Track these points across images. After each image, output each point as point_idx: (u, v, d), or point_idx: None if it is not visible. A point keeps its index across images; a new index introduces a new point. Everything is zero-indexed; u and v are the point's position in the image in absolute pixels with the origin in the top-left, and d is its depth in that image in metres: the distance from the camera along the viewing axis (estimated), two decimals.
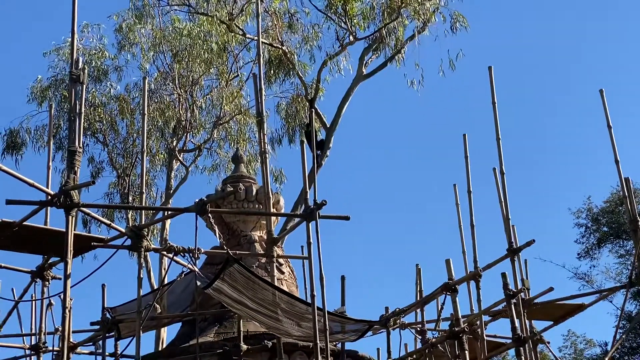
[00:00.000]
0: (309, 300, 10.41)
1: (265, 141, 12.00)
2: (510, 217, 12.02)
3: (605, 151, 12.72)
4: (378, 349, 14.12)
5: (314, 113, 24.50)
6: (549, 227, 40.71)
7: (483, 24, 46.96)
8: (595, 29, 48.54)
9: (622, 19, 48.80)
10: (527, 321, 11.72)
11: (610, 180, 30.51)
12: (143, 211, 11.31)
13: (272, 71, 27.56)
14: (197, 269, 10.43)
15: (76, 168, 9.47)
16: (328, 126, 26.32)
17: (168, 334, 23.60)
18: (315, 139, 23.96)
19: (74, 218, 9.36)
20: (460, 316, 11.24)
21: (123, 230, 10.41)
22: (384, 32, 26.09)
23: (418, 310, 13.08)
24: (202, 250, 10.31)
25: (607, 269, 31.13)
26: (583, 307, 13.11)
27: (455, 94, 43.53)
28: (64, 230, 9.30)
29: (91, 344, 13.00)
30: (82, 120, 9.79)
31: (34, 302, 11.89)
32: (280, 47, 26.89)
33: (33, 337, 12.02)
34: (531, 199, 42.46)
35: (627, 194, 12.32)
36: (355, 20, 26.51)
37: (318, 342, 9.91)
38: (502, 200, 12.16)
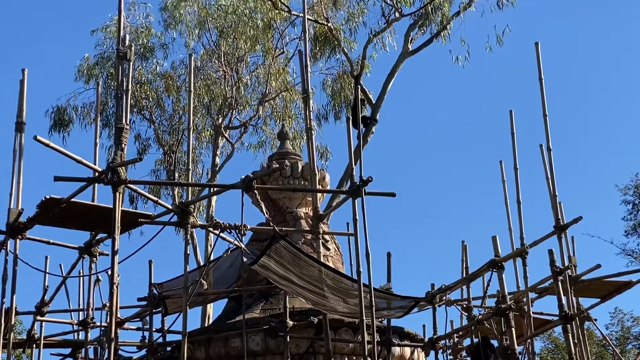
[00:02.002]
0: (355, 277, 10.43)
1: (311, 118, 12.00)
2: (557, 194, 11.94)
3: None
4: (424, 326, 14.15)
5: (359, 90, 24.46)
6: (596, 203, 40.38)
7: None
8: None
9: None
10: (574, 298, 11.64)
11: None
12: (189, 188, 11.37)
13: (317, 48, 27.52)
14: (243, 246, 10.48)
15: (123, 145, 9.53)
16: (374, 102, 26.23)
17: (214, 310, 23.83)
18: (362, 115, 24.10)
19: (121, 195, 9.43)
20: (506, 293, 11.18)
21: (170, 207, 10.48)
22: (429, 8, 25.90)
23: (464, 287, 13.04)
24: (249, 227, 10.34)
25: None
26: (631, 284, 13.00)
27: (502, 70, 43.18)
28: (111, 206, 9.38)
29: (138, 319, 13.15)
30: (129, 98, 9.85)
31: (81, 278, 12.05)
32: (325, 23, 26.83)
33: (81, 312, 12.20)
34: (578, 176, 42.11)
35: None
36: None
37: (364, 318, 9.93)
38: (549, 177, 12.07)
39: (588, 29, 48.24)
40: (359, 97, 14.95)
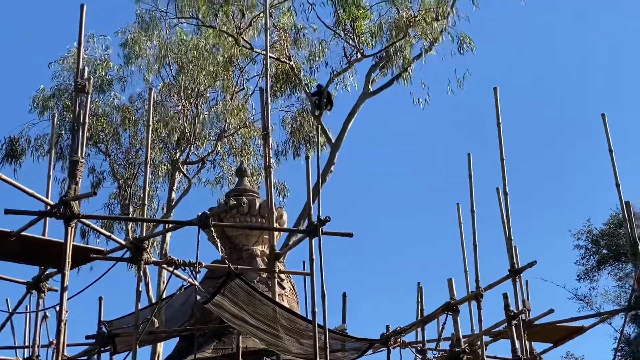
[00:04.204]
0: (309, 317, 10.32)
1: (270, 155, 11.94)
2: (512, 237, 11.98)
3: (606, 174, 12.71)
4: None
5: (319, 128, 24.54)
6: (550, 248, 40.61)
7: (490, 45, 46.99)
8: (598, 53, 48.60)
9: (625, 44, 48.88)
10: (527, 343, 11.65)
11: (609, 203, 30.52)
12: (144, 223, 11.21)
13: (278, 85, 27.59)
14: (197, 283, 10.34)
15: (78, 178, 9.38)
16: (333, 142, 26.27)
17: (165, 349, 23.46)
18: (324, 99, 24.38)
19: (73, 229, 9.27)
20: (461, 336, 11.16)
21: (123, 242, 10.33)
22: (391, 50, 26.09)
23: (419, 329, 13.00)
24: (204, 264, 10.21)
25: (606, 292, 31.13)
26: (583, 329, 13.07)
27: (460, 114, 43.53)
28: (62, 241, 9.20)
29: (86, 358, 12.89)
30: (86, 131, 9.71)
31: (28, 314, 11.79)
32: (287, 62, 26.91)
33: (27, 349, 11.88)
34: (533, 220, 42.37)
35: (627, 218, 12.31)
36: (363, 38, 26.56)
37: (318, 359, 9.82)
38: (505, 220, 12.12)
39: (546, 75, 48.95)
40: (319, 132, 14.94)
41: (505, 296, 11.28)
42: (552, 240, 42.52)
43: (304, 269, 12.28)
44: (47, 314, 11.18)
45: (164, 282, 23.88)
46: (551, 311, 12.12)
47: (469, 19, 26.37)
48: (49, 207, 9.53)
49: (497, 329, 12.26)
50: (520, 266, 11.83)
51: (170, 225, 14.59)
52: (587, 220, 31.73)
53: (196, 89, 27.82)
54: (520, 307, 11.58)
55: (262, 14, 25.90)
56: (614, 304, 29.88)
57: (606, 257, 30.91)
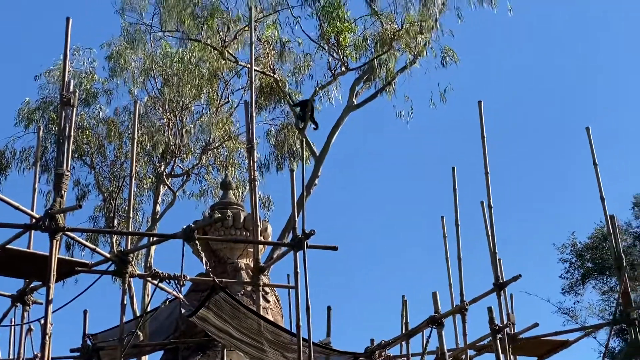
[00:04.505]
0: (294, 331, 10.32)
1: (255, 168, 11.96)
2: (497, 251, 12.01)
3: (590, 188, 12.77)
4: None
5: (304, 142, 24.58)
6: (534, 261, 40.71)
7: (474, 57, 47.18)
8: (583, 66, 48.88)
9: (608, 57, 49.20)
10: (512, 356, 11.67)
11: (594, 217, 30.66)
12: (129, 236, 11.20)
13: (262, 98, 27.61)
14: (182, 297, 10.34)
15: (63, 191, 9.37)
16: (317, 155, 26.30)
17: None
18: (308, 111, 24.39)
19: (58, 242, 9.25)
20: (445, 350, 11.17)
21: (108, 255, 10.30)
22: (375, 63, 26.18)
23: (403, 343, 13.00)
24: (188, 277, 10.21)
25: (590, 305, 31.23)
26: (567, 343, 13.08)
27: (445, 127, 43.64)
28: (47, 254, 9.18)
29: None
30: (71, 144, 9.71)
31: (13, 327, 11.75)
32: (272, 75, 26.96)
33: None
34: (518, 234, 42.48)
35: (612, 231, 12.34)
36: (347, 51, 26.64)
37: None
38: (489, 234, 12.15)
39: (529, 88, 49.17)
40: (304, 146, 14.96)
41: (489, 310, 11.30)
42: (536, 253, 42.65)
43: (289, 282, 12.28)
44: (32, 327, 11.16)
45: (148, 295, 23.80)
46: (536, 325, 12.14)
47: (453, 34, 26.52)
48: (34, 220, 9.51)
49: (481, 343, 12.28)
50: (504, 280, 11.85)
51: (155, 238, 14.57)
52: (572, 234, 31.91)
53: (181, 102, 27.83)
54: (505, 321, 11.60)
55: (247, 28, 25.96)
56: (599, 318, 30.01)
57: (591, 270, 31.02)
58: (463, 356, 12.47)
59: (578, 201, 45.22)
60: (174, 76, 27.61)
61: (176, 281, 10.07)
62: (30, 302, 11.04)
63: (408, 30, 26.10)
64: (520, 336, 12.30)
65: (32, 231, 9.96)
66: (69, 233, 9.83)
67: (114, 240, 25.89)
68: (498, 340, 11.09)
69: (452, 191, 12.94)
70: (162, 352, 14.33)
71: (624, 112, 48.61)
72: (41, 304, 10.44)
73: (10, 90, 40.97)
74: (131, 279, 10.62)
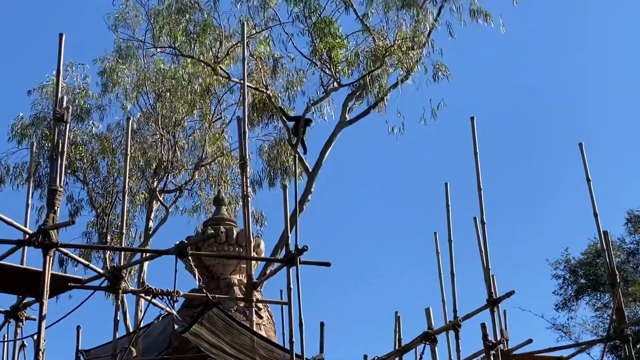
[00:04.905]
0: (287, 347, 10.31)
1: (248, 184, 11.96)
2: (490, 267, 12.01)
3: (584, 204, 12.78)
4: None
5: (296, 158, 24.63)
6: (527, 277, 40.72)
7: (465, 73, 47.35)
8: (576, 82, 49.07)
9: (602, 72, 49.38)
10: None
11: (587, 233, 30.68)
12: (122, 252, 11.19)
13: (255, 114, 27.63)
14: (175, 312, 10.32)
15: (56, 207, 9.36)
16: (310, 171, 26.32)
17: None
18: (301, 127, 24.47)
19: (51, 258, 9.24)
20: None
21: (101, 271, 10.28)
22: (367, 79, 26.23)
23: (397, 359, 12.97)
24: (181, 293, 10.20)
25: (584, 322, 31.19)
26: None
27: (437, 142, 43.69)
28: (40, 270, 9.17)
29: None
30: (64, 160, 9.71)
31: (6, 342, 11.70)
32: (264, 91, 26.99)
33: None
34: (511, 249, 42.49)
35: (605, 247, 12.35)
36: (339, 67, 26.69)
37: None
38: (483, 250, 12.15)
39: (521, 104, 49.32)
40: (297, 163, 14.96)
41: (483, 326, 11.30)
42: (530, 269, 42.64)
43: (282, 298, 12.26)
44: (25, 342, 11.11)
45: (141, 311, 23.73)
46: (530, 341, 12.13)
47: (442, 53, 26.57)
48: (27, 236, 9.49)
49: (475, 359, 12.27)
50: (498, 296, 11.84)
51: (148, 254, 14.54)
52: (565, 250, 31.91)
53: (174, 118, 27.86)
54: (499, 337, 11.59)
55: (239, 44, 26.01)
56: (592, 334, 29.96)
57: (584, 287, 30.99)
58: None
59: (571, 217, 45.29)
60: (167, 92, 27.66)
61: (169, 297, 10.05)
62: (24, 318, 11.00)
63: (400, 46, 26.19)
64: (514, 352, 12.29)
65: (26, 247, 9.95)
66: (62, 249, 9.81)
67: (107, 256, 25.84)
68: (492, 357, 11.09)
69: (445, 207, 12.94)
70: None
71: (616, 128, 48.81)
72: (34, 319, 10.41)
73: (4, 105, 40.99)
74: (124, 294, 10.59)
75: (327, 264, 10.70)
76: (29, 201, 12.06)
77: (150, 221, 27.73)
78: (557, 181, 47.49)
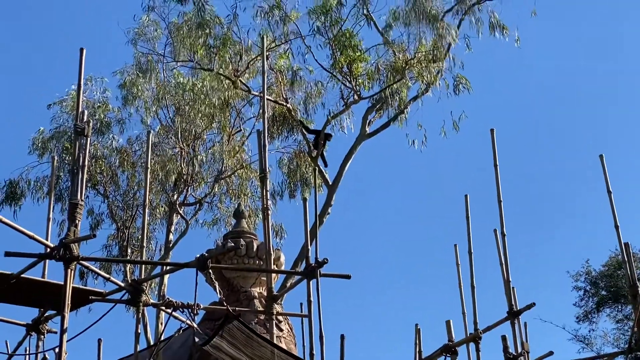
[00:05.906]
0: (308, 359, 10.30)
1: (267, 197, 11.99)
2: (510, 279, 11.98)
3: (605, 216, 12.73)
4: None
5: (316, 170, 24.63)
6: (548, 289, 40.51)
7: (483, 85, 47.25)
8: (596, 92, 48.86)
9: (622, 83, 49.15)
10: None
11: (608, 244, 30.49)
12: (142, 265, 11.23)
13: (275, 127, 27.68)
14: (195, 325, 10.33)
15: (77, 221, 9.41)
16: (330, 183, 26.32)
17: None
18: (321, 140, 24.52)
19: (72, 271, 9.29)
20: None
21: (122, 284, 10.33)
22: (387, 92, 26.24)
23: None
24: (202, 306, 10.21)
25: (605, 333, 31.01)
26: None
27: (457, 155, 43.60)
28: (62, 283, 9.22)
29: None
30: (85, 173, 9.76)
31: (28, 356, 11.76)
32: (284, 104, 27.04)
33: None
34: (531, 261, 42.28)
35: (626, 259, 12.30)
36: (360, 80, 26.71)
37: None
38: (503, 262, 12.13)
39: (542, 116, 49.19)
40: (317, 176, 14.97)
41: (504, 338, 11.26)
42: (550, 281, 42.44)
43: (302, 311, 12.27)
44: (47, 356, 11.16)
45: (162, 324, 23.76)
46: (551, 353, 12.09)
47: (463, 67, 26.64)
48: (48, 250, 9.55)
49: None
50: (518, 308, 11.82)
51: (168, 267, 14.56)
52: (586, 262, 31.71)
53: (193, 131, 27.93)
54: (519, 349, 11.56)
55: (259, 57, 26.08)
56: (614, 346, 29.74)
57: (605, 298, 30.83)
58: None
59: (592, 229, 45.05)
60: (186, 105, 27.75)
61: (189, 310, 10.06)
62: (45, 331, 11.05)
63: (420, 59, 26.22)
64: None
65: (47, 260, 10.00)
66: (83, 262, 9.85)
67: (128, 269, 25.93)
68: None
69: (465, 219, 12.93)
70: None
71: (638, 139, 48.55)
72: (56, 332, 10.47)
73: (24, 119, 41.25)
74: (145, 307, 10.63)
75: (347, 277, 10.70)
76: (50, 215, 12.11)
77: (171, 234, 27.79)
78: (578, 193, 47.27)
